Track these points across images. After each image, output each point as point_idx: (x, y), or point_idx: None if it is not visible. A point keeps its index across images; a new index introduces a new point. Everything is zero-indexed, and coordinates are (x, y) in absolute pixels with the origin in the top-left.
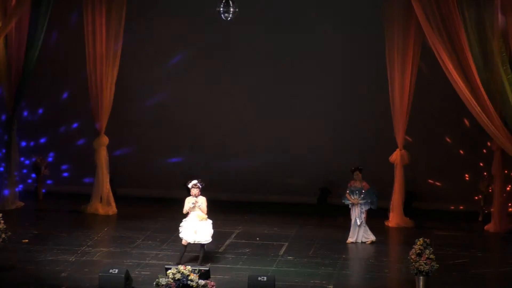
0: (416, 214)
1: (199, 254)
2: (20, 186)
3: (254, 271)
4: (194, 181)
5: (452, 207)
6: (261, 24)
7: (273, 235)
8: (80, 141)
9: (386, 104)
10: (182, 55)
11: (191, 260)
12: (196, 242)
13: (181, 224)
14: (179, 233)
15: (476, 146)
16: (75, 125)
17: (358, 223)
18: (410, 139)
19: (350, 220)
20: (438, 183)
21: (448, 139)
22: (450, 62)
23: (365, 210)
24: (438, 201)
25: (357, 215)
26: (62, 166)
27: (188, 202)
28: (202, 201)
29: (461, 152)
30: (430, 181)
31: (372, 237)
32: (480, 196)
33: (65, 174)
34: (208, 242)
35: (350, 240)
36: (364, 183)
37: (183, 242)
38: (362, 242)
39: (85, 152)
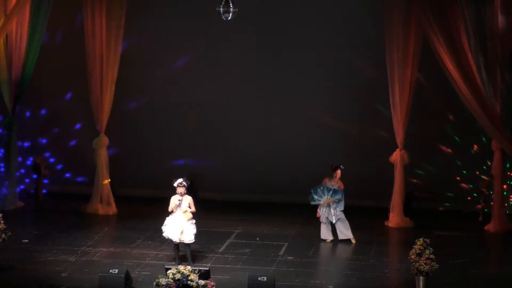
0: (416, 214)
1: (185, 253)
2: (20, 186)
3: (254, 271)
4: (180, 180)
5: (452, 207)
6: (262, 24)
7: (273, 235)
8: (80, 141)
9: (386, 104)
10: (183, 55)
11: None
12: (180, 241)
13: (165, 223)
14: (162, 232)
15: (476, 145)
16: (75, 125)
17: (334, 221)
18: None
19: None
20: (437, 183)
21: (447, 139)
22: (450, 62)
23: (340, 211)
24: (438, 201)
25: (333, 214)
26: (62, 166)
27: (174, 200)
28: (189, 200)
29: (461, 151)
30: (430, 181)
31: (351, 235)
32: (480, 196)
33: (65, 174)
34: (192, 242)
35: (329, 239)
36: (341, 184)
37: (175, 242)
38: (340, 239)
39: (85, 152)
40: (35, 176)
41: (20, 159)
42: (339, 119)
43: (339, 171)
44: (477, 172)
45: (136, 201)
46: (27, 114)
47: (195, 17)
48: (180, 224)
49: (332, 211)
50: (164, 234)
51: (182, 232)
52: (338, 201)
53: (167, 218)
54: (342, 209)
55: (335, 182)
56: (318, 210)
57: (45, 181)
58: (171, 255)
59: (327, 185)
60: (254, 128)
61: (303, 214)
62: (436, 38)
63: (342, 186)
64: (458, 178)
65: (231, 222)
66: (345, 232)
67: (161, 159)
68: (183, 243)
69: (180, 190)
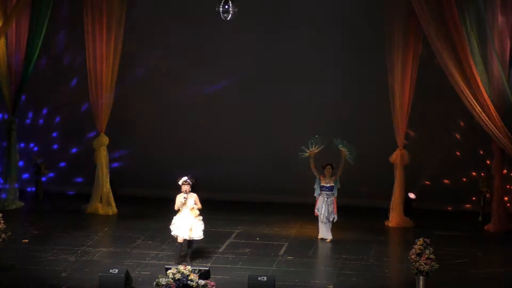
0: (416, 214)
1: (185, 252)
2: (20, 186)
3: (254, 271)
4: (184, 178)
5: (452, 207)
6: (261, 25)
7: (273, 235)
8: (80, 141)
9: (386, 104)
10: (183, 56)
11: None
12: (190, 238)
13: (173, 222)
14: (171, 231)
15: (476, 145)
16: (75, 124)
17: (331, 219)
18: (407, 141)
19: (323, 218)
20: (438, 183)
21: (448, 139)
22: (450, 62)
23: (334, 208)
24: (438, 201)
25: (330, 213)
26: (62, 166)
27: (179, 198)
28: (194, 198)
29: (461, 152)
30: (429, 181)
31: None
32: (480, 196)
33: (65, 174)
34: (201, 238)
35: (329, 239)
36: (334, 177)
37: (179, 240)
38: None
39: (85, 152)
40: (35, 176)
41: (20, 159)
42: (339, 118)
43: (328, 168)
44: (477, 172)
45: (136, 201)
46: (27, 113)
47: (195, 17)
48: (188, 221)
49: (330, 209)
50: (173, 233)
51: (191, 229)
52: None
53: (174, 217)
54: (336, 194)
55: (329, 179)
56: (316, 209)
57: (45, 181)
58: (172, 255)
59: (322, 182)
60: (254, 128)
61: (303, 214)
62: (436, 38)
63: (335, 178)
64: (458, 178)
65: (231, 222)
66: (330, 232)
67: (161, 159)
68: (189, 240)
69: (185, 188)
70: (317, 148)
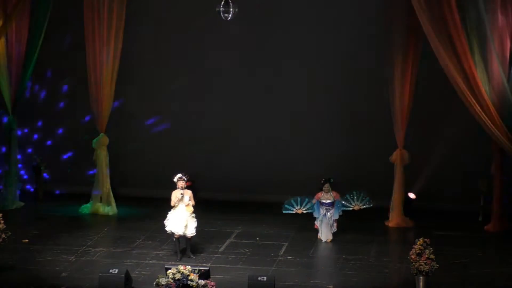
0: (416, 214)
1: (185, 246)
2: (20, 186)
3: (254, 271)
4: (179, 175)
5: (452, 207)
6: (260, 24)
7: (273, 235)
8: (80, 141)
9: (386, 104)
10: (183, 55)
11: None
12: (183, 235)
13: (168, 217)
14: (165, 226)
15: (476, 146)
16: (75, 125)
17: (332, 231)
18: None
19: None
20: (437, 183)
21: (447, 139)
22: (450, 62)
23: (335, 220)
24: (438, 201)
25: (331, 225)
26: (62, 165)
27: (175, 195)
28: (189, 194)
29: (461, 152)
30: (429, 181)
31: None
32: (480, 196)
33: (65, 174)
34: (194, 235)
35: (330, 238)
36: (335, 193)
37: (176, 236)
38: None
39: (85, 152)
40: (34, 176)
41: (20, 158)
42: (339, 119)
43: (326, 186)
44: (477, 172)
45: (136, 201)
46: (28, 113)
47: (195, 16)
48: (183, 218)
49: (334, 222)
50: (167, 228)
51: (186, 226)
52: (336, 212)
53: (169, 212)
54: (337, 217)
55: (328, 195)
56: (316, 222)
57: (45, 181)
58: (173, 249)
59: (322, 199)
60: (254, 128)
61: (303, 214)
62: (436, 38)
63: (337, 197)
64: (458, 178)
65: (231, 222)
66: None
67: (161, 159)
68: (185, 237)
69: (181, 184)
70: (305, 209)
